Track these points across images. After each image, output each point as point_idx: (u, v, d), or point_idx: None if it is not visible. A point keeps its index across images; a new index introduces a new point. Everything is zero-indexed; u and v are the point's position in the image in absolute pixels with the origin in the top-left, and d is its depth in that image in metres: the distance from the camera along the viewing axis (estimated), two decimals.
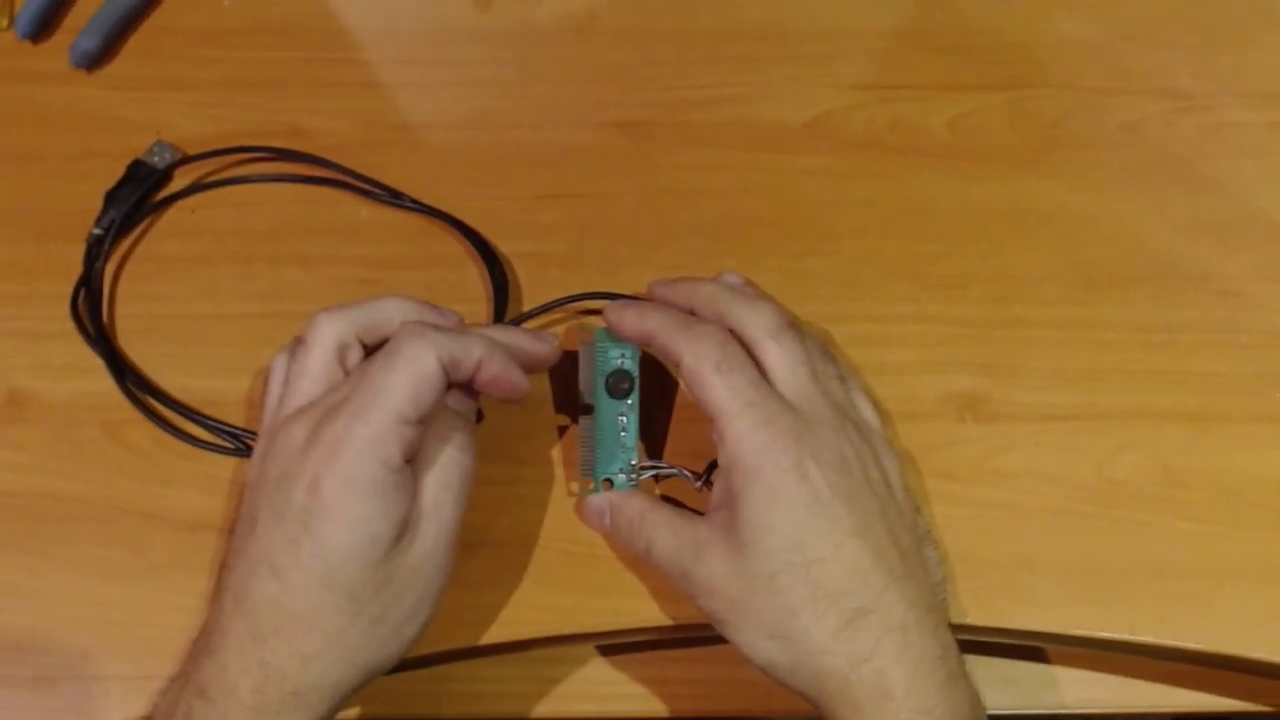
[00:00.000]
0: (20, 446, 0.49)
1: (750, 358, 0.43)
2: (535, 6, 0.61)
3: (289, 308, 0.52)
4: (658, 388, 0.50)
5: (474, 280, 0.53)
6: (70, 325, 0.51)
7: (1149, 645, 0.47)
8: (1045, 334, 0.52)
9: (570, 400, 0.50)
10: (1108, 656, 0.51)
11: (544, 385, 0.51)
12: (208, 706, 0.38)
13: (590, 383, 0.47)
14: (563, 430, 0.50)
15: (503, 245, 0.54)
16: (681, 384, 0.49)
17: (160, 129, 0.57)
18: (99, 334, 0.51)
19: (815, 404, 0.43)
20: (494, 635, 0.47)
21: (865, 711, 0.39)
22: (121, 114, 0.58)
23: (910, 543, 0.43)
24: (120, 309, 0.53)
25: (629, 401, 0.47)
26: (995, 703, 0.47)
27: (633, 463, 0.47)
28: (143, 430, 0.50)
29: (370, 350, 0.43)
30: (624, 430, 0.47)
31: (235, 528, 0.41)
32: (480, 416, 0.45)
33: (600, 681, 0.53)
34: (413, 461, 0.40)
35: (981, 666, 0.44)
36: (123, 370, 0.50)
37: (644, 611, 0.47)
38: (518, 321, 0.51)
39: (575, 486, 0.49)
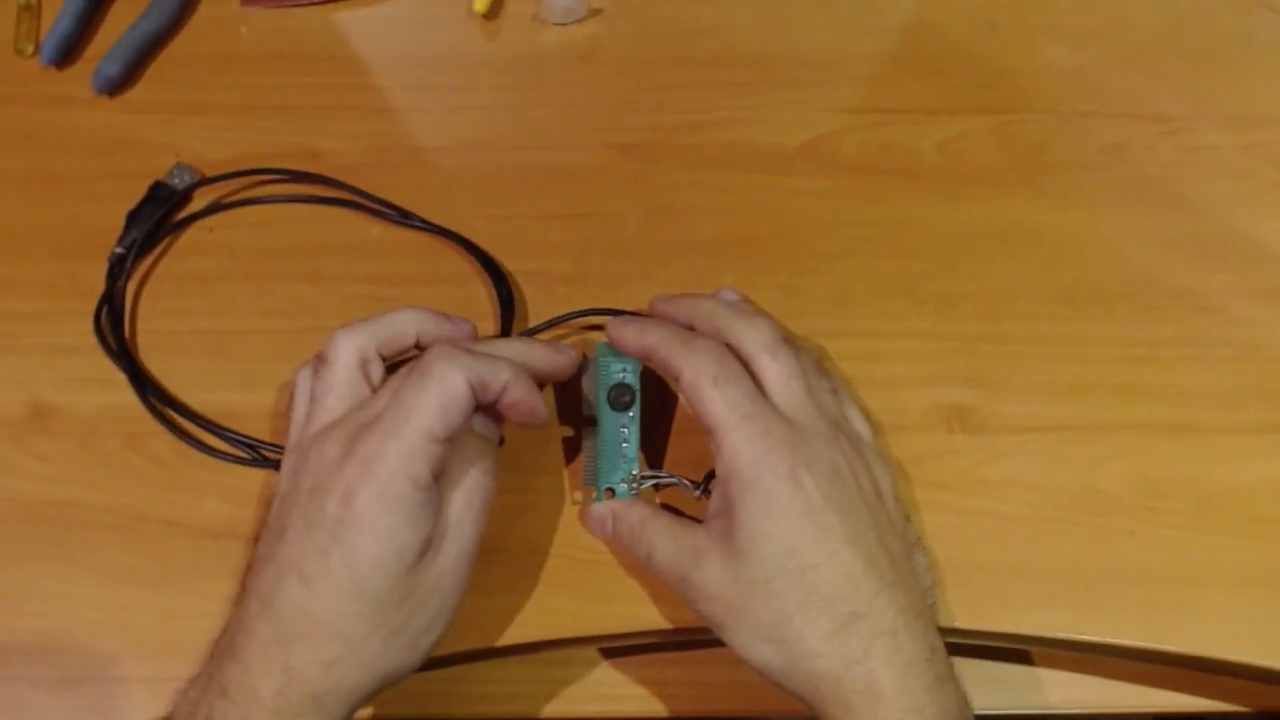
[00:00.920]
0: (46, 457, 0.49)
1: (747, 372, 0.43)
2: (541, 34, 0.61)
3: (304, 323, 0.52)
4: (658, 400, 0.50)
5: (481, 297, 0.53)
6: (94, 340, 0.52)
7: (1131, 648, 0.47)
8: (1031, 349, 0.52)
9: (575, 412, 0.50)
10: (1091, 659, 0.51)
11: (547, 399, 0.51)
12: (229, 707, 0.38)
13: (593, 395, 0.48)
14: (567, 442, 0.50)
15: (509, 263, 0.54)
16: (681, 397, 0.49)
17: (180, 152, 0.57)
18: (121, 349, 0.51)
19: (809, 416, 0.43)
20: (504, 638, 0.47)
21: (857, 712, 0.39)
22: (143, 137, 0.58)
23: (901, 550, 0.43)
24: (142, 325, 0.53)
25: (630, 414, 0.47)
26: (982, 703, 0.47)
27: (634, 472, 0.47)
28: (163, 441, 0.50)
29: (389, 362, 0.44)
30: (625, 441, 0.47)
31: (262, 535, 0.42)
32: (502, 440, 0.45)
33: (603, 683, 0.53)
34: (440, 480, 0.40)
35: (969, 668, 0.44)
36: (144, 384, 0.51)
37: (645, 615, 0.47)
38: (525, 335, 0.51)
39: (579, 495, 0.49)
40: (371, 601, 0.38)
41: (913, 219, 0.55)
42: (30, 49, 0.60)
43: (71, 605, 0.47)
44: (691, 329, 0.46)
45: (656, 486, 0.49)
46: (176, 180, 0.56)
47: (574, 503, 0.49)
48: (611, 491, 0.47)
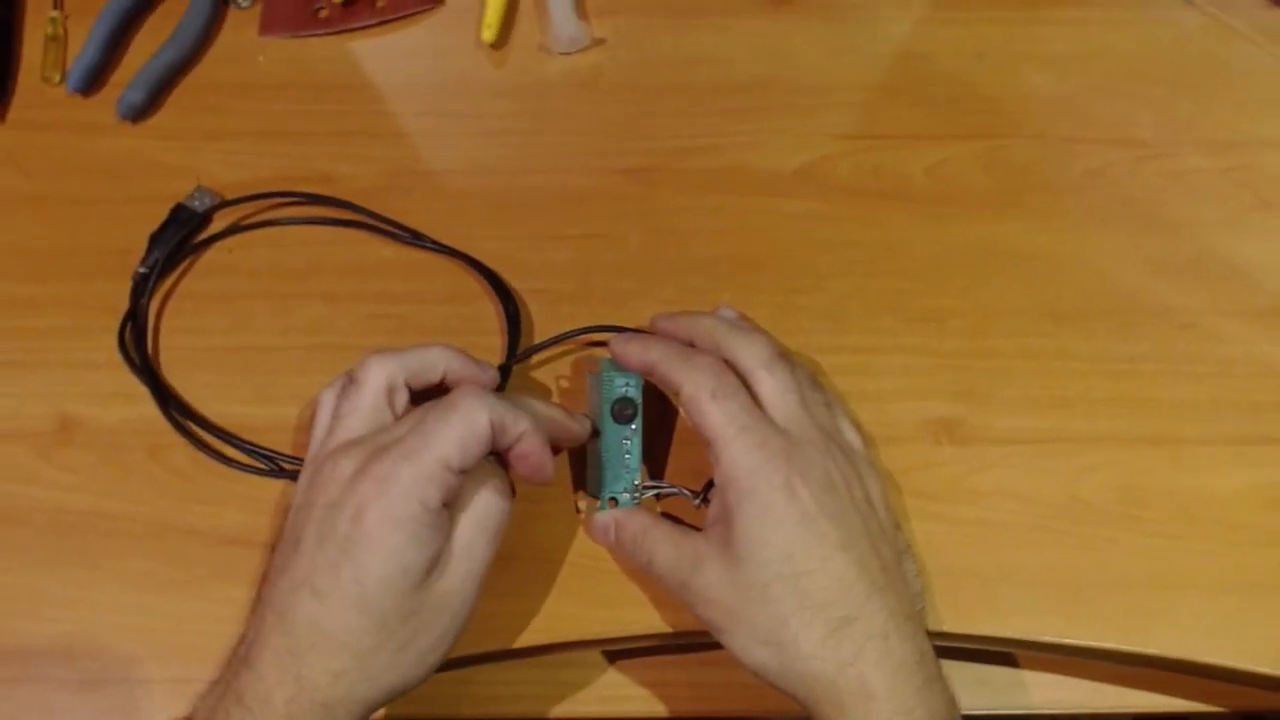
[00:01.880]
0: (71, 468, 0.50)
1: (744, 386, 0.44)
2: (546, 62, 0.61)
3: (320, 340, 0.52)
4: (659, 413, 0.51)
5: (489, 315, 0.53)
6: (117, 356, 0.52)
7: (1112, 651, 0.47)
8: (1016, 364, 0.52)
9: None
10: (1074, 661, 0.51)
11: None
12: (244, 713, 0.38)
13: (597, 409, 0.48)
14: (573, 453, 0.50)
15: (516, 282, 0.54)
16: (681, 410, 0.49)
17: (200, 176, 0.57)
18: (144, 364, 0.52)
19: (804, 428, 0.43)
20: (507, 641, 0.47)
21: (850, 712, 0.40)
22: (164, 162, 0.58)
23: (891, 556, 0.43)
24: (163, 341, 0.53)
25: (633, 426, 0.47)
26: (969, 704, 0.48)
27: (636, 482, 0.47)
28: (184, 453, 0.50)
29: (415, 394, 0.44)
30: (628, 453, 0.47)
31: (278, 546, 0.42)
32: (513, 492, 0.46)
33: (606, 684, 0.53)
34: (451, 506, 0.41)
35: (957, 670, 0.44)
36: (166, 398, 0.51)
37: (646, 620, 0.47)
38: (530, 353, 0.52)
39: (583, 505, 0.49)
40: (378, 617, 0.39)
41: (903, 240, 0.56)
42: (57, 77, 0.60)
43: (95, 610, 0.47)
44: (691, 345, 0.47)
45: (658, 496, 0.49)
46: (197, 203, 0.56)
47: (578, 512, 0.49)
48: (615, 501, 0.47)
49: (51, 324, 0.53)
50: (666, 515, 0.48)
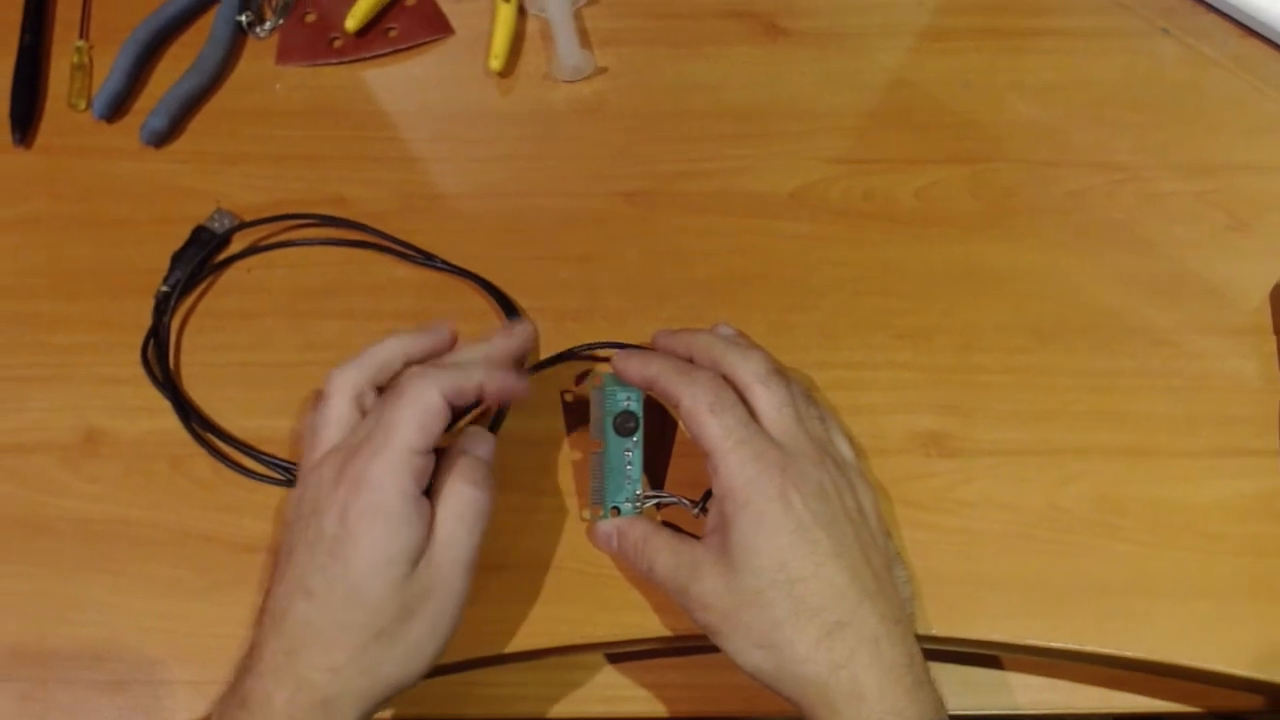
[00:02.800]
0: (97, 479, 0.50)
1: (741, 400, 0.44)
2: (551, 91, 0.61)
3: (335, 356, 0.50)
4: (659, 426, 0.51)
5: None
6: (141, 371, 0.53)
7: (1092, 654, 0.47)
8: (1001, 379, 0.52)
9: (584, 437, 0.51)
10: (1056, 663, 0.52)
11: (558, 425, 0.52)
12: (248, 716, 0.39)
13: (600, 422, 0.48)
14: (577, 464, 0.51)
15: (522, 301, 0.55)
16: (680, 423, 0.49)
17: (220, 198, 0.57)
18: (166, 379, 0.52)
19: (798, 441, 0.44)
20: (515, 645, 0.47)
21: (842, 713, 0.40)
22: (185, 185, 0.58)
23: (882, 563, 0.44)
24: (185, 357, 0.53)
25: (634, 438, 0.48)
26: (957, 704, 0.48)
27: (637, 492, 0.47)
28: (205, 464, 0.51)
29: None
30: (630, 464, 0.47)
31: (277, 558, 0.42)
32: (502, 416, 0.46)
33: (608, 686, 0.53)
34: (432, 494, 0.41)
35: (944, 672, 0.45)
36: (187, 411, 0.51)
37: (647, 624, 0.48)
38: (535, 369, 0.52)
39: (586, 514, 0.49)
40: (368, 610, 0.39)
41: (892, 259, 0.56)
42: (83, 104, 0.61)
43: (121, 614, 0.48)
44: (690, 361, 0.47)
45: (658, 505, 0.49)
46: (217, 224, 0.56)
47: (582, 520, 0.49)
48: (617, 510, 0.47)
49: (78, 340, 0.54)
50: (667, 524, 0.49)
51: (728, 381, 0.45)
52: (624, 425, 0.48)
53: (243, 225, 0.57)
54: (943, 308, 0.55)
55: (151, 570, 0.49)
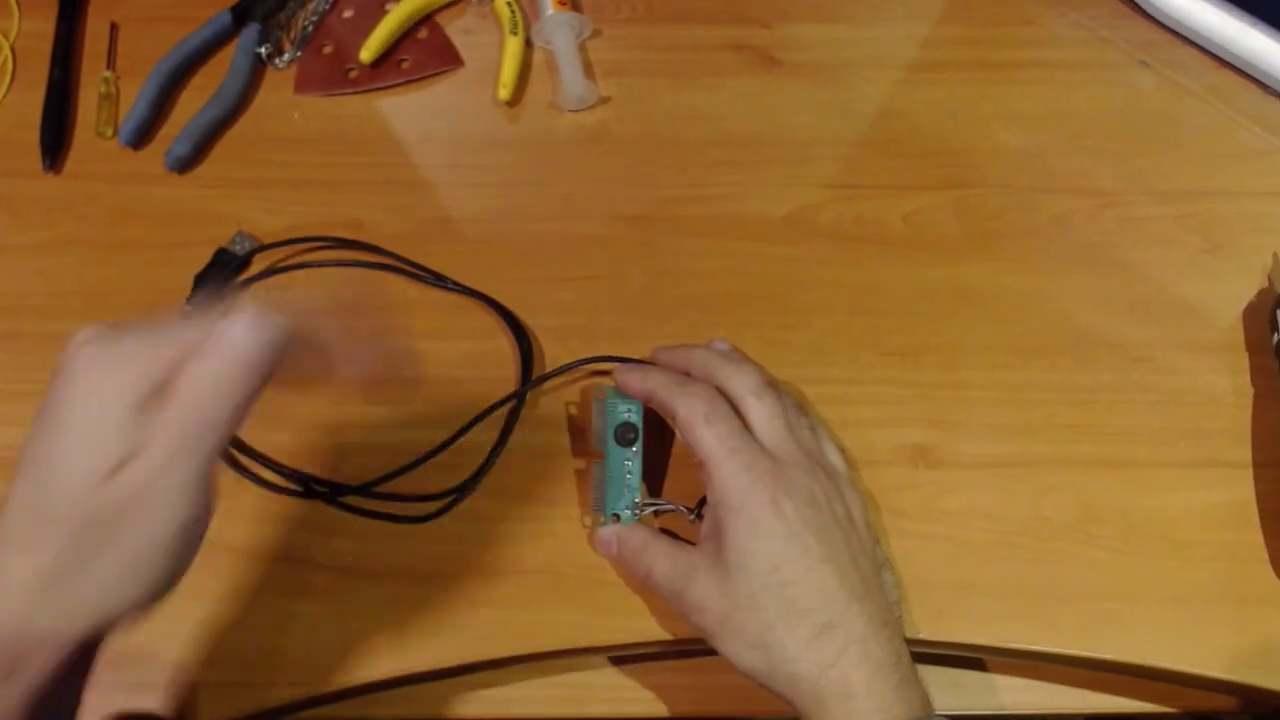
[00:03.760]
0: None
1: (735, 412, 0.45)
2: (557, 119, 0.62)
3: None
4: (658, 437, 0.51)
5: (505, 349, 0.55)
6: None
7: (1073, 656, 0.48)
8: (985, 394, 0.53)
9: (585, 447, 0.52)
10: (1038, 665, 0.52)
11: (562, 437, 0.52)
12: None
13: (601, 433, 0.49)
14: (579, 473, 0.51)
15: (529, 319, 0.55)
16: (677, 434, 0.49)
17: (241, 222, 0.58)
18: None
19: (790, 451, 0.44)
20: (520, 648, 0.48)
21: (832, 710, 0.41)
22: (208, 209, 0.59)
23: (870, 568, 0.44)
24: None
25: (634, 449, 0.48)
26: (943, 705, 0.48)
27: (636, 500, 0.48)
28: (227, 475, 0.51)
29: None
30: (629, 473, 0.48)
31: None
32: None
33: (611, 687, 0.53)
34: (156, 407, 0.33)
35: (930, 674, 0.45)
36: None
37: (647, 628, 0.48)
38: (541, 381, 0.53)
39: (588, 521, 0.50)
40: (59, 512, 0.33)
41: (881, 281, 0.57)
42: (110, 132, 0.62)
43: (147, 619, 0.48)
44: (687, 374, 0.48)
45: (656, 512, 0.50)
46: (238, 247, 0.57)
47: (584, 527, 0.50)
48: (617, 517, 0.48)
49: None
50: (665, 530, 0.49)
51: (722, 394, 0.46)
52: (624, 436, 0.48)
53: (263, 247, 0.57)
54: (930, 327, 0.55)
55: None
